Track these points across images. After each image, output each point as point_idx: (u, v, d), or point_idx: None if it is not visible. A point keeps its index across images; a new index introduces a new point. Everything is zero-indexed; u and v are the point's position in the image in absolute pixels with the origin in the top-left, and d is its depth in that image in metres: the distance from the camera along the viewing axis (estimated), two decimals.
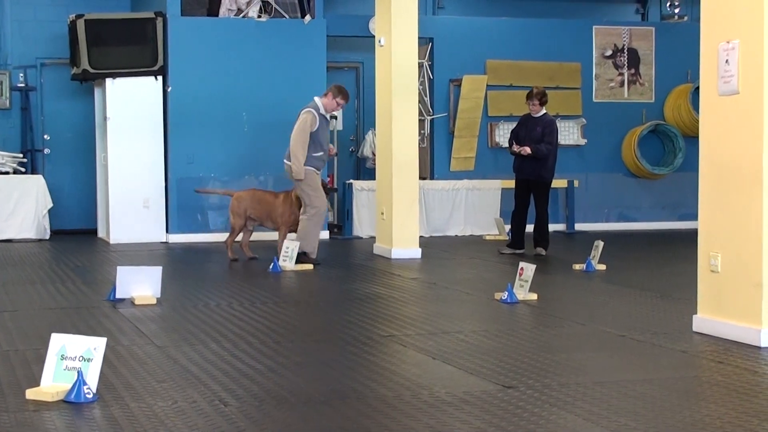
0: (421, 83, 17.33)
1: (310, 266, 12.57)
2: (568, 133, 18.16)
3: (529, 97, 14.04)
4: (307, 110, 12.87)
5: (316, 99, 13.03)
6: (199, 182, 16.15)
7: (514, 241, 14.20)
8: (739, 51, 7.68)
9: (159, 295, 9.86)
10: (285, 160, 13.07)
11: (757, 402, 5.99)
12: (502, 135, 17.47)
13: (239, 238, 13.52)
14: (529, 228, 14.12)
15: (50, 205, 16.48)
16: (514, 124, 14.67)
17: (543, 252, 13.92)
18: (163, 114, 16.20)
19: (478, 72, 17.68)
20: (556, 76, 18.08)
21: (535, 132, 13.88)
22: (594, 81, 18.35)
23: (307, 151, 12.74)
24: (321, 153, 12.88)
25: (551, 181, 14.17)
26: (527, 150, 13.75)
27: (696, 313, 8.26)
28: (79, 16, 15.93)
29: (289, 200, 13.30)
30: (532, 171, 13.93)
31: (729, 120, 7.82)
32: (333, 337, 8.19)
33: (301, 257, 12.69)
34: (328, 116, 13.13)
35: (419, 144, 15.12)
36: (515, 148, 13.90)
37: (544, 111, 14.05)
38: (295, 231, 13.13)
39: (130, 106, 16.05)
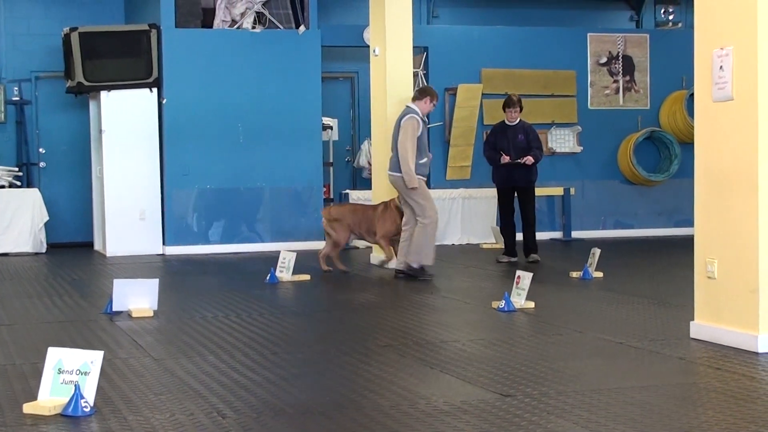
0: None
1: (307, 276, 12.53)
2: (564, 141, 18.18)
3: (510, 105, 14.05)
4: (410, 116, 12.43)
5: (412, 104, 12.66)
6: (195, 194, 16.15)
7: (509, 249, 14.23)
8: (733, 57, 7.68)
9: (156, 308, 9.85)
10: (391, 172, 12.59)
11: (755, 408, 5.98)
12: None
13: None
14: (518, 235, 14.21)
15: (46, 218, 16.47)
16: None
17: (538, 258, 13.95)
18: (159, 126, 16.21)
19: (474, 81, 17.70)
20: (551, 84, 18.10)
21: (518, 140, 13.96)
22: (589, 88, 18.37)
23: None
24: (425, 159, 12.56)
25: None
26: (531, 159, 13.82)
27: (693, 319, 8.26)
28: (73, 29, 15.94)
29: (389, 211, 13.04)
30: (522, 178, 14.01)
31: (724, 126, 7.82)
32: (330, 348, 8.18)
33: (415, 272, 12.43)
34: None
35: None
36: (506, 158, 13.89)
37: (519, 118, 14.11)
38: (397, 242, 12.94)
39: (125, 118, 16.06)
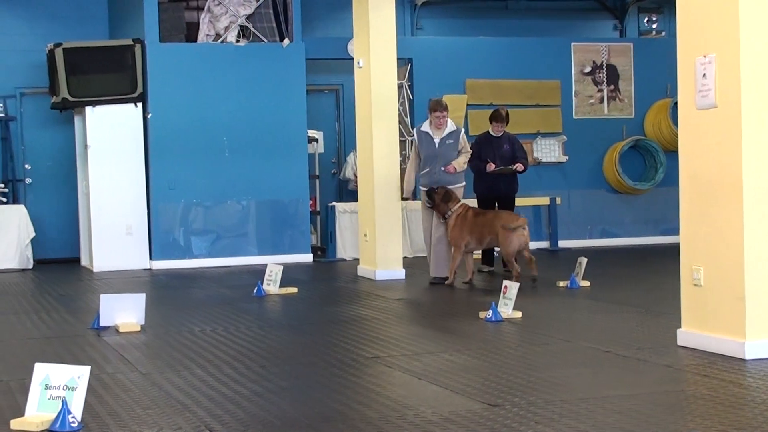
0: (401, 104, 17.36)
1: (294, 289, 12.50)
2: (549, 151, 18.20)
3: (498, 119, 14.05)
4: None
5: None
6: (182, 208, 16.14)
7: (488, 258, 14.29)
8: (715, 64, 7.71)
9: (143, 322, 9.84)
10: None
11: (743, 414, 5.99)
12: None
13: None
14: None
15: (33, 234, 16.43)
16: None
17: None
18: (144, 140, 16.20)
19: (458, 92, 17.71)
20: (535, 94, 18.13)
21: (503, 150, 14.05)
22: (574, 98, 18.39)
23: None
24: (427, 170, 13.19)
25: None
26: (521, 166, 13.93)
27: (680, 327, 8.27)
28: (57, 45, 15.93)
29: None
30: (508, 186, 14.12)
31: (708, 134, 7.85)
32: (318, 360, 8.17)
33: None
34: (431, 133, 13.29)
35: (400, 164, 15.14)
36: (491, 166, 13.91)
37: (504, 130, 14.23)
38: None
39: (111, 133, 16.04)
